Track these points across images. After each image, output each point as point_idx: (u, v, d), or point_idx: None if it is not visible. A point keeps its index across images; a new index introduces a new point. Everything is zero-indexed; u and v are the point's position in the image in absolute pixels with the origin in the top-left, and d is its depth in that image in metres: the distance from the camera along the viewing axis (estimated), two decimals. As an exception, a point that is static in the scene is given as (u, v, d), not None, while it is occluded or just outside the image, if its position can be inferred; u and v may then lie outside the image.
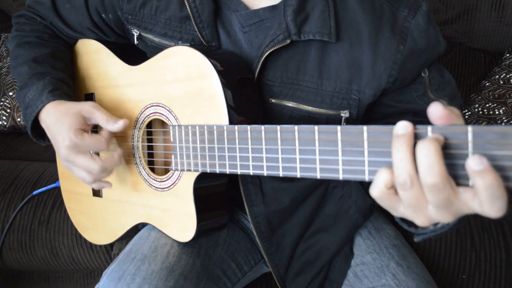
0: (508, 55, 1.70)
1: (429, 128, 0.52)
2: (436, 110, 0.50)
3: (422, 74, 0.88)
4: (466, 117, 1.57)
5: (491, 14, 1.71)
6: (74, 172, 0.94)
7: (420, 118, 0.91)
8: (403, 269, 0.97)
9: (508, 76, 1.62)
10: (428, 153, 0.49)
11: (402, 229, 1.10)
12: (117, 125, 0.90)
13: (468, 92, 1.73)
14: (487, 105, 1.57)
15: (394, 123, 0.91)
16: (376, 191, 0.55)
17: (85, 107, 0.91)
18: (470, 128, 0.49)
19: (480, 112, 1.56)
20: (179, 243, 0.95)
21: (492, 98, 1.58)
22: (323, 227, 0.99)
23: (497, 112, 1.53)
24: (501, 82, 1.61)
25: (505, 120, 1.50)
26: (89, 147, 0.89)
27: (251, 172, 0.72)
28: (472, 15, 1.73)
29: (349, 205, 0.99)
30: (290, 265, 1.00)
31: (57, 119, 0.90)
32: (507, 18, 1.69)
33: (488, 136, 0.48)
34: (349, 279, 1.00)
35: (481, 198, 0.48)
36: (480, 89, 1.64)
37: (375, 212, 1.11)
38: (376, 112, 0.92)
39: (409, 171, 0.51)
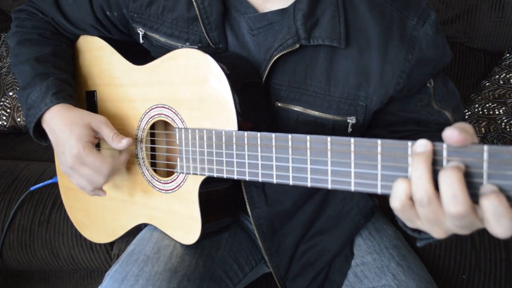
0: (508, 55, 1.70)
1: (444, 146, 0.52)
2: (451, 135, 0.50)
3: (428, 85, 0.88)
4: (466, 117, 1.58)
5: (491, 14, 1.71)
6: (74, 179, 0.95)
7: (423, 127, 0.91)
8: (403, 270, 0.98)
9: (508, 76, 1.62)
10: (451, 183, 0.49)
11: (402, 229, 1.11)
12: (120, 144, 0.92)
13: (468, 92, 1.73)
14: (487, 105, 1.57)
15: (397, 131, 0.93)
16: (398, 203, 0.55)
17: (95, 121, 0.92)
18: (485, 148, 0.49)
19: (480, 112, 1.57)
20: (182, 244, 0.95)
21: (492, 98, 1.59)
22: (325, 228, 1.00)
23: (497, 112, 1.54)
24: (501, 82, 1.62)
25: (505, 120, 1.51)
26: (92, 164, 0.89)
27: (260, 179, 0.72)
28: (472, 15, 1.73)
29: (351, 207, 0.99)
30: (291, 265, 1.00)
31: (65, 126, 0.90)
32: (507, 18, 1.70)
33: (503, 156, 0.48)
34: (349, 279, 1.01)
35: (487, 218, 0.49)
36: (480, 89, 1.65)
37: (376, 213, 1.11)
38: (379, 120, 0.92)
39: (427, 189, 0.51)
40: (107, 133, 0.92)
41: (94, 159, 0.89)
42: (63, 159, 0.93)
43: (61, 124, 0.91)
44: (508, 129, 1.49)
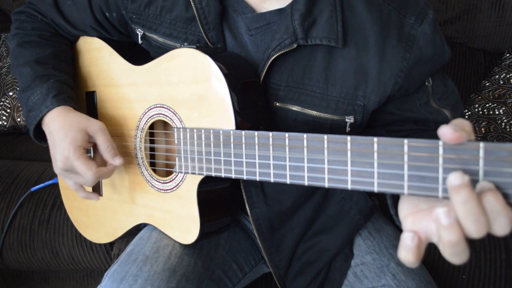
0: (508, 55, 1.70)
1: (440, 143, 0.52)
2: (446, 133, 0.50)
3: (426, 83, 0.88)
4: (466, 117, 1.58)
5: (491, 14, 1.71)
6: (68, 180, 0.96)
7: (421, 126, 0.91)
8: (403, 269, 0.97)
9: (508, 76, 1.62)
10: (473, 210, 0.49)
11: (402, 229, 1.11)
12: (111, 161, 0.92)
13: (468, 92, 1.73)
14: (487, 105, 1.57)
15: (396, 130, 0.92)
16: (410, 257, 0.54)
17: (92, 126, 0.92)
18: (481, 145, 0.49)
19: (480, 112, 1.57)
20: (181, 244, 0.95)
21: (492, 98, 1.58)
22: (324, 228, 1.00)
23: (497, 112, 1.54)
24: (501, 82, 1.62)
25: (505, 120, 1.51)
26: (78, 169, 0.89)
27: (258, 178, 0.72)
28: (472, 15, 1.73)
29: (350, 207, 0.99)
30: (290, 265, 1.00)
31: (62, 128, 0.90)
32: (507, 18, 1.69)
33: (499, 153, 0.48)
34: (349, 279, 1.01)
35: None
36: (480, 89, 1.65)
37: (375, 213, 1.11)
38: (378, 119, 0.92)
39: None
40: (103, 142, 0.92)
41: (80, 164, 0.88)
42: (56, 161, 0.92)
43: (58, 126, 0.91)
44: (508, 129, 1.49)
